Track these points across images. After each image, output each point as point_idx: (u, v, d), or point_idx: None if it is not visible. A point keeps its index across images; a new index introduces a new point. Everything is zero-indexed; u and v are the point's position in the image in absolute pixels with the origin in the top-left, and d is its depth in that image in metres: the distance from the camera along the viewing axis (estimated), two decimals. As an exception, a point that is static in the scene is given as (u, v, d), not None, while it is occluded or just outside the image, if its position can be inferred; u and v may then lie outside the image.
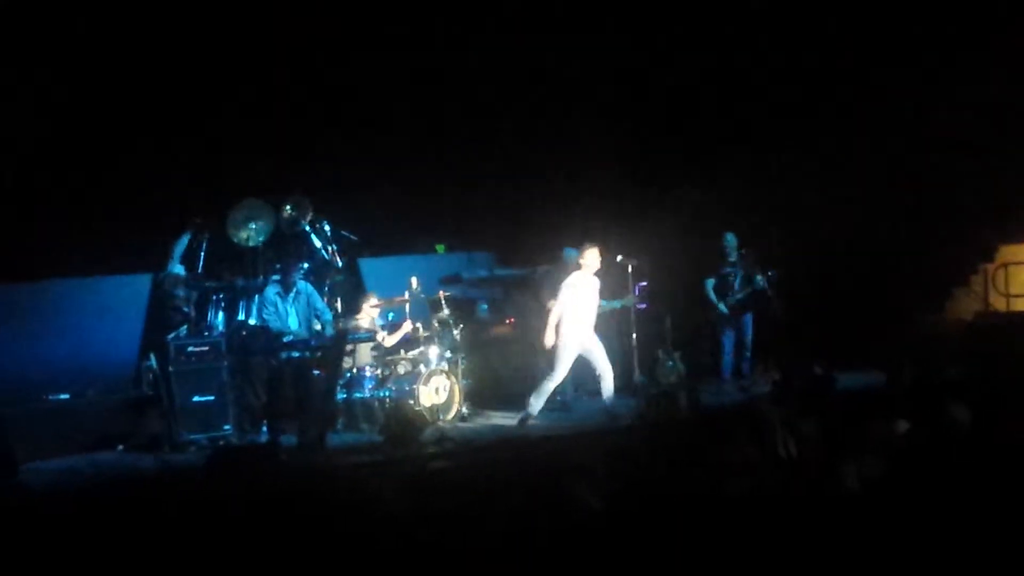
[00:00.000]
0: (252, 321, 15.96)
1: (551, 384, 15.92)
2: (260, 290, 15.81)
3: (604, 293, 17.42)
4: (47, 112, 16.71)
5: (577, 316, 15.79)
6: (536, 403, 15.90)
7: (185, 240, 16.19)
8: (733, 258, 18.24)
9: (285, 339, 14.75)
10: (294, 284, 15.08)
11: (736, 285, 18.23)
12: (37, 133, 16.56)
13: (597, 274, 16.35)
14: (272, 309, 14.82)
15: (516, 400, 17.77)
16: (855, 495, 8.72)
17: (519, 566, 7.25)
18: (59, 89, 16.91)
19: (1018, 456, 9.70)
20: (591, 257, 15.87)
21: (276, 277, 15.64)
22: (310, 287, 15.36)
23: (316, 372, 15.18)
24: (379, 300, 16.90)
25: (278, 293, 14.90)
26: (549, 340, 15.74)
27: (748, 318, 18.26)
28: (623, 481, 8.86)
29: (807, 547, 6.89)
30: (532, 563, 7.27)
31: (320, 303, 15.70)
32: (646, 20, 20.22)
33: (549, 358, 16.01)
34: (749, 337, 18.27)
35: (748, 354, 18.28)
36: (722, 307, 18.16)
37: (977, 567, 6.65)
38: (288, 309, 14.81)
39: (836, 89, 20.62)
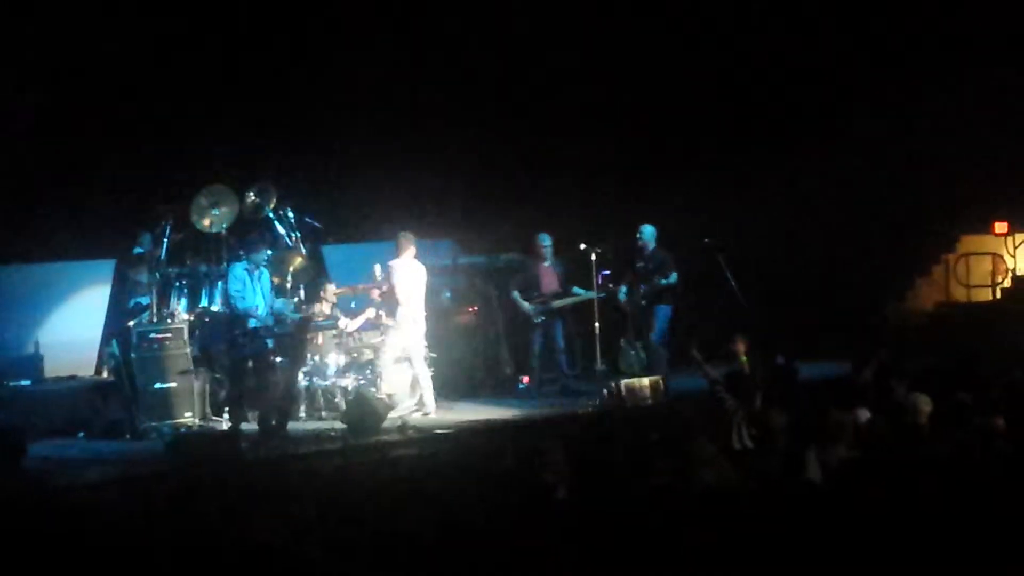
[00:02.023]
0: (215, 307, 15.91)
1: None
2: (224, 276, 15.74)
3: (571, 282, 17.50)
4: (7, 99, 16.62)
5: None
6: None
7: (149, 237, 16.19)
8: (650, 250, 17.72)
9: (249, 325, 14.64)
10: (262, 263, 14.94)
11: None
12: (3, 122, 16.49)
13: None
14: (240, 286, 14.63)
15: (479, 388, 17.82)
16: (817, 484, 8.77)
17: (482, 552, 7.26)
18: (21, 77, 16.83)
19: (976, 444, 9.77)
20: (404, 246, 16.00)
21: (242, 254, 15.56)
22: (267, 272, 15.22)
23: (278, 359, 15.12)
24: (339, 288, 16.86)
25: (246, 269, 14.75)
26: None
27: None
28: (586, 469, 8.89)
29: (771, 536, 6.92)
30: (495, 549, 7.28)
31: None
32: (627, 19, 20.26)
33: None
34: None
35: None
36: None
37: (939, 554, 6.69)
38: (255, 287, 14.68)
39: (802, 84, 20.67)
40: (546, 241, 17.61)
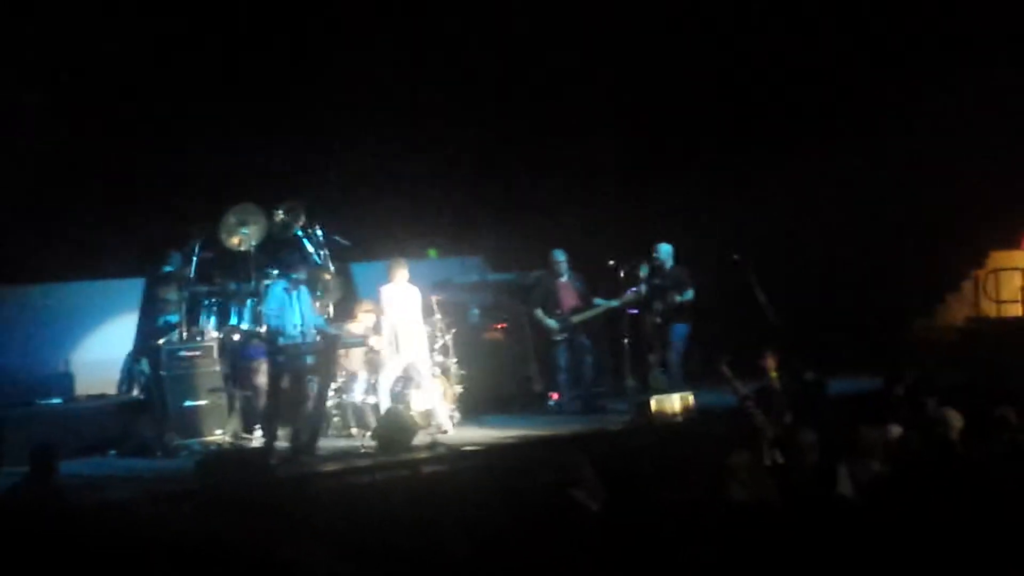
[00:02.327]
0: (244, 325, 15.94)
1: None
2: (253, 294, 15.77)
3: (598, 295, 17.51)
4: (40, 117, 16.70)
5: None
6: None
7: (178, 256, 16.24)
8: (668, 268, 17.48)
9: (279, 343, 14.64)
10: (299, 281, 14.93)
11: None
12: (30, 137, 16.54)
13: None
14: (275, 306, 14.63)
15: (508, 405, 17.80)
16: (849, 499, 8.75)
17: (513, 568, 7.26)
18: (52, 93, 16.91)
19: (1008, 460, 9.74)
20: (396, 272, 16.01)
21: (278, 272, 15.58)
22: (307, 290, 15.23)
23: (309, 377, 15.13)
24: (373, 306, 16.87)
25: (286, 289, 14.74)
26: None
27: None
28: (618, 486, 8.88)
29: (803, 552, 6.90)
30: (526, 565, 7.27)
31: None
32: (638, 25, 20.23)
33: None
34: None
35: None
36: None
37: (971, 570, 6.67)
38: (294, 306, 14.66)
39: (829, 95, 20.64)
40: (560, 257, 17.66)
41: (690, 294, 17.01)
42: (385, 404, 15.71)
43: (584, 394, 17.62)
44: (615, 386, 18.04)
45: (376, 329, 16.24)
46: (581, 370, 17.65)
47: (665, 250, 17.30)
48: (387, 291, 16.00)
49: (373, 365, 16.39)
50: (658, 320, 17.08)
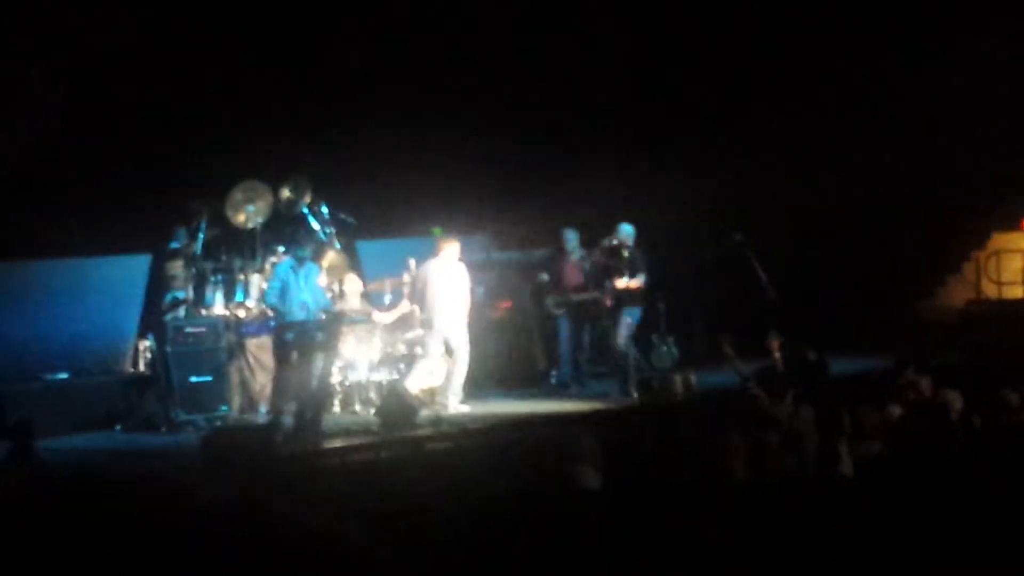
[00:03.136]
0: (250, 302, 16.02)
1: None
2: (259, 271, 15.86)
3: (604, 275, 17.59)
4: (47, 94, 16.74)
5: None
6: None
7: (184, 232, 16.32)
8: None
9: (286, 320, 14.68)
10: (307, 258, 14.95)
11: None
12: (36, 114, 16.60)
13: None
14: (277, 284, 14.65)
15: (512, 383, 17.88)
16: (849, 478, 8.83)
17: (516, 548, 7.33)
18: (58, 71, 16.94)
19: (1007, 441, 9.81)
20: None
21: (285, 249, 15.65)
22: (315, 266, 15.25)
23: (314, 354, 15.20)
24: (372, 283, 16.93)
25: (292, 267, 14.75)
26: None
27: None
28: (620, 464, 8.96)
29: (803, 532, 6.97)
30: (529, 545, 7.34)
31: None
32: (641, 10, 20.29)
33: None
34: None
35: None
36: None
37: (970, 550, 6.74)
38: (300, 284, 14.67)
39: (830, 77, 20.69)
40: (570, 236, 17.73)
41: (642, 277, 16.97)
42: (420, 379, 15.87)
43: (580, 371, 17.71)
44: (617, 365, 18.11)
45: (392, 304, 16.36)
46: (580, 343, 17.72)
47: (626, 230, 17.25)
48: (430, 265, 16.05)
49: (378, 342, 16.45)
50: (608, 302, 17.06)
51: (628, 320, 17.00)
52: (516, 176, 20.08)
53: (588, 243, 17.84)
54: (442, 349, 16.11)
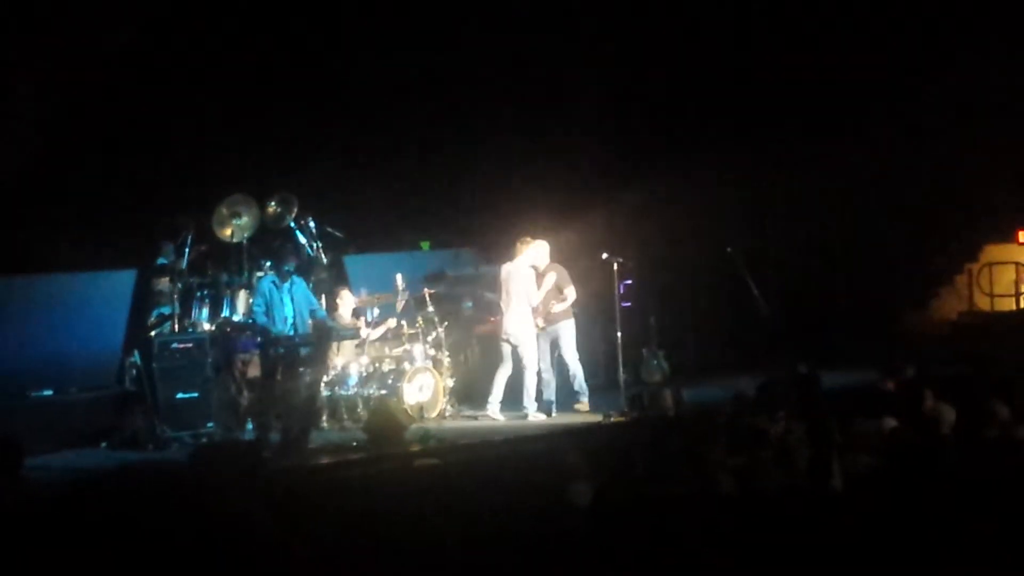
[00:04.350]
0: (236, 317, 15.91)
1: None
2: (246, 286, 15.75)
3: (591, 291, 17.48)
4: (31, 109, 16.66)
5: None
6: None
7: (171, 248, 16.25)
8: None
9: (271, 335, 14.56)
10: (290, 273, 14.82)
11: None
12: (21, 130, 16.51)
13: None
14: (261, 301, 14.54)
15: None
16: (839, 491, 8.74)
17: (505, 561, 7.24)
18: (43, 87, 16.86)
19: (1000, 453, 9.73)
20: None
21: (270, 264, 15.55)
22: (301, 280, 15.12)
23: (301, 369, 15.08)
24: (361, 297, 16.87)
25: (273, 282, 14.63)
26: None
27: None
28: (609, 479, 8.87)
29: (796, 544, 6.90)
30: (518, 560, 7.26)
31: (313, 298, 15.36)
32: (636, 19, 20.23)
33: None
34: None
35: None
36: None
37: (963, 562, 6.67)
38: (284, 299, 14.55)
39: (824, 90, 20.63)
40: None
41: (571, 293, 16.80)
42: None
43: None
44: (608, 379, 18.01)
45: (400, 315, 16.57)
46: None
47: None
48: (504, 268, 16.48)
49: (366, 357, 16.37)
50: (540, 324, 16.89)
51: (567, 336, 16.87)
52: (505, 190, 20.00)
53: (571, 258, 17.62)
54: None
